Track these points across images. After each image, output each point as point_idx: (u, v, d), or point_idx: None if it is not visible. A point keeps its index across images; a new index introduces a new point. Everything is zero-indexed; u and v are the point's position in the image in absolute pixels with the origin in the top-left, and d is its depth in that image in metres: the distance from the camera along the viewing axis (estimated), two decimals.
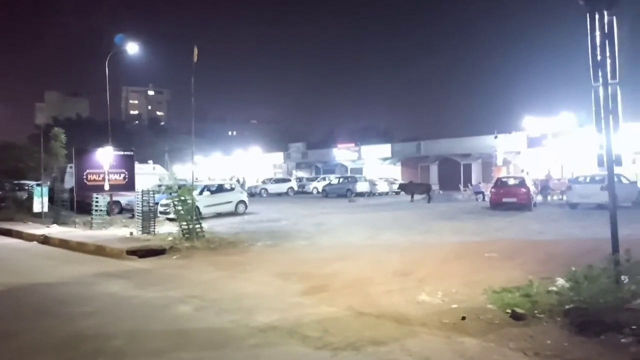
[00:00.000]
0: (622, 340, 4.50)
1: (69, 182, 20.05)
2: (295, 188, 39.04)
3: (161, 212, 16.42)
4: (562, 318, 5.10)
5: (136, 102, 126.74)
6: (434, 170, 42.03)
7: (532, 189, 20.80)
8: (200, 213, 13.74)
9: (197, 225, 12.06)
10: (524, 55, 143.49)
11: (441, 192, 34.67)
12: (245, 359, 4.43)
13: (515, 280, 6.63)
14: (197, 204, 13.00)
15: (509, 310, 5.41)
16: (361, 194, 32.20)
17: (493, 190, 20.88)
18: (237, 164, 53.49)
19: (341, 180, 36.23)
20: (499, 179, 22.47)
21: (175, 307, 6.22)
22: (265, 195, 36.03)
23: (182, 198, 12.12)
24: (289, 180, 41.03)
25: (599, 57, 5.85)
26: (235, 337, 5.02)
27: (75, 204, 16.63)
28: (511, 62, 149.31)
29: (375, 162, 45.63)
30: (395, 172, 43.83)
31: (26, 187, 24.32)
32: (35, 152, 24.12)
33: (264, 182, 39.63)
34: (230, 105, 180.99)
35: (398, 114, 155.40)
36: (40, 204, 18.35)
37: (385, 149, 45.72)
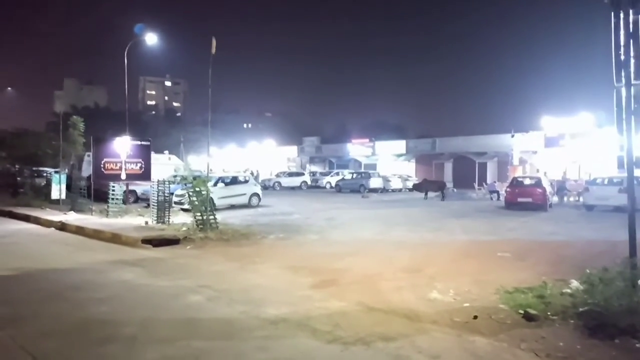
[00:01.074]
0: (637, 344, 4.44)
1: (87, 170, 20.37)
2: (309, 182, 39.08)
3: (176, 203, 16.57)
4: (575, 320, 5.04)
5: (153, 92, 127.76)
6: (448, 167, 41.71)
7: (549, 189, 20.55)
8: (214, 204, 13.85)
9: (211, 217, 12.15)
10: (543, 54, 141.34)
11: (455, 190, 34.42)
12: (255, 350, 4.46)
13: (528, 281, 6.58)
14: (211, 195, 13.11)
15: (521, 311, 5.37)
16: (374, 190, 32.12)
17: (508, 189, 20.69)
18: (251, 157, 53.72)
19: (355, 175, 36.18)
20: (514, 179, 22.25)
21: (187, 297, 6.29)
22: (278, 188, 36.15)
23: (197, 189, 12.21)
24: (303, 174, 41.09)
25: (622, 57, 5.73)
26: (245, 328, 5.06)
27: (92, 192, 16.87)
28: (530, 60, 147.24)
29: (389, 158, 45.45)
30: (410, 169, 43.60)
31: (44, 174, 24.69)
32: (54, 140, 24.46)
33: (277, 176, 39.74)
34: (243, 97, 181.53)
35: (413, 110, 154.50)
36: (58, 191, 18.65)
37: (400, 145, 45.49)
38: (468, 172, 38.27)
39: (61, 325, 5.17)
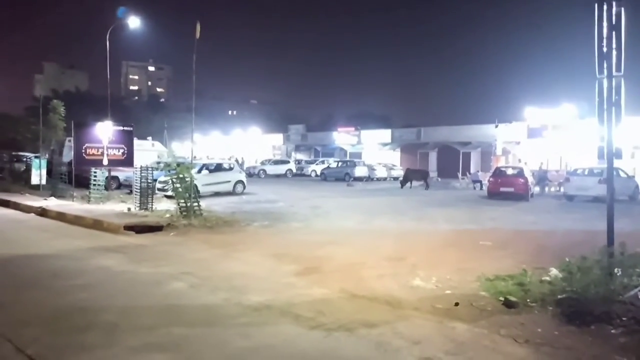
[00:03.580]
0: (612, 331, 4.54)
1: (68, 155, 20.01)
2: (294, 170, 38.98)
3: (159, 189, 16.41)
4: (553, 307, 5.14)
5: (136, 77, 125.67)
6: (433, 157, 41.99)
7: (530, 179, 20.83)
8: (198, 191, 13.73)
9: (195, 204, 12.06)
10: (527, 45, 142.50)
11: (439, 179, 34.70)
12: (237, 336, 4.46)
13: (508, 269, 6.68)
14: (195, 182, 12.98)
15: (501, 298, 5.46)
16: (359, 179, 32.20)
17: (491, 179, 20.91)
18: (236, 144, 53.36)
19: (340, 164, 36.19)
20: (497, 169, 22.50)
21: (169, 284, 6.25)
22: (263, 176, 35.99)
23: (181, 176, 12.09)
24: (288, 162, 40.93)
25: (604, 49, 5.78)
26: (227, 314, 5.05)
27: (73, 177, 16.60)
28: (514, 51, 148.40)
29: (374, 147, 45.54)
30: (395, 158, 43.78)
31: (24, 159, 24.23)
32: (33, 124, 23.98)
33: (262, 163, 39.54)
34: (228, 84, 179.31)
35: (398, 100, 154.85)
36: (38, 176, 18.35)
37: (385, 134, 45.59)
38: (452, 162, 38.59)
39: (41, 312, 5.10)
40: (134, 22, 20.73)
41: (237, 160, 36.20)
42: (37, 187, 17.95)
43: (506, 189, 19.74)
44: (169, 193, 14.78)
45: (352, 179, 31.57)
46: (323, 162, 40.51)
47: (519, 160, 31.66)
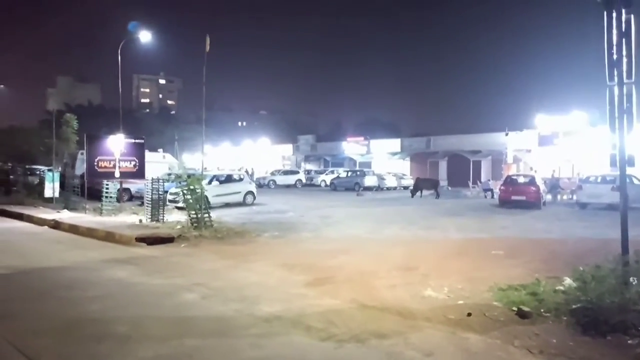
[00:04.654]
0: (628, 341, 4.47)
1: (80, 168, 20.26)
2: (304, 180, 39.04)
3: (170, 201, 16.52)
4: (568, 317, 5.07)
5: (147, 90, 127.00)
6: (443, 166, 41.82)
7: (542, 187, 20.66)
8: (208, 203, 13.80)
9: (206, 215, 12.11)
10: (538, 52, 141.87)
11: (450, 188, 34.52)
12: (248, 347, 4.46)
13: (521, 279, 6.61)
14: (205, 193, 13.06)
15: (514, 308, 5.40)
16: (369, 188, 32.13)
17: (502, 187, 20.77)
18: (246, 155, 53.63)
19: (349, 173, 36.19)
20: (508, 177, 22.35)
21: (181, 295, 6.27)
22: (273, 186, 36.08)
23: (191, 187, 12.17)
24: (298, 172, 41.03)
25: (615, 56, 5.75)
26: (239, 325, 5.06)
27: (85, 190, 16.79)
28: (524, 59, 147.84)
29: (384, 157, 45.49)
30: (404, 168, 43.67)
31: (37, 172, 24.54)
32: (46, 138, 24.28)
33: (272, 174, 39.65)
34: (237, 95, 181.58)
35: (407, 108, 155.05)
36: (51, 189, 18.57)
37: (395, 143, 45.55)
38: (462, 171, 38.40)
39: (53, 323, 5.14)
40: (145, 36, 21.08)
41: (247, 171, 36.32)
42: (50, 200, 18.16)
43: (518, 197, 19.59)
44: (180, 204, 14.88)
45: (361, 188, 31.54)
46: (332, 172, 40.54)
47: (530, 168, 31.43)
